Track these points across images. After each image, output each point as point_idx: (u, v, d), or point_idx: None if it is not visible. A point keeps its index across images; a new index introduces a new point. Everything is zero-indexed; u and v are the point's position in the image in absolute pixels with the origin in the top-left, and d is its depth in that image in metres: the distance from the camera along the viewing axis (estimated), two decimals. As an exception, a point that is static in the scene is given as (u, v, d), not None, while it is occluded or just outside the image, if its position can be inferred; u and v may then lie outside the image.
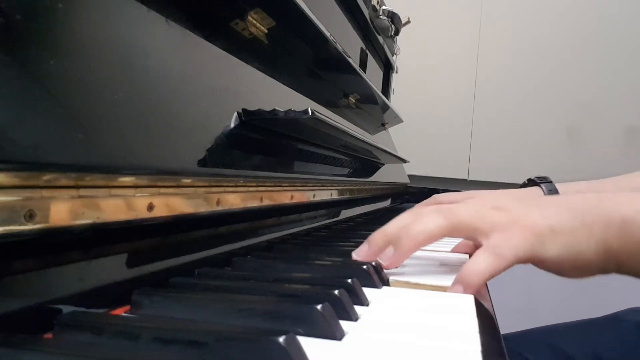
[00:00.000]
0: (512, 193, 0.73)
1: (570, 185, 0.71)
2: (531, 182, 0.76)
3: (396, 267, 0.40)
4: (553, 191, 0.70)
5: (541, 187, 0.71)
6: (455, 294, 0.35)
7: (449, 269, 0.44)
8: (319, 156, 0.64)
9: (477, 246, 0.40)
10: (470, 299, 0.34)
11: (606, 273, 0.38)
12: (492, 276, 0.36)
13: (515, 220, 0.38)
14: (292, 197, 0.51)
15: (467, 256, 0.53)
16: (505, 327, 0.38)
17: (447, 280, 0.39)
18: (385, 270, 0.40)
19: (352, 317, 0.27)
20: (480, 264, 0.36)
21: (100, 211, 0.24)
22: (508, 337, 0.75)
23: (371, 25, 1.06)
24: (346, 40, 0.91)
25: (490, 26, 1.82)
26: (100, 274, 0.27)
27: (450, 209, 0.40)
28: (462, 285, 0.36)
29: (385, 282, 0.38)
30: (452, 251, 0.55)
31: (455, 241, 0.58)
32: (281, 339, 0.19)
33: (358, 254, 0.41)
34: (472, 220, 0.39)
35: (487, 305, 0.34)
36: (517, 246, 0.37)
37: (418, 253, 0.55)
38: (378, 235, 0.42)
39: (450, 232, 0.39)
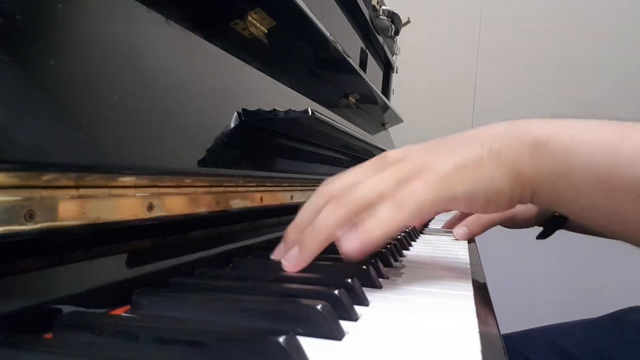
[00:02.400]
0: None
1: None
2: None
3: (300, 269, 0.36)
4: None
5: None
6: (454, 292, 0.35)
7: (450, 272, 0.44)
8: (319, 156, 0.64)
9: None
10: (470, 300, 0.34)
11: (522, 203, 0.36)
12: (395, 228, 0.34)
13: (418, 167, 0.35)
14: (292, 197, 0.51)
15: (467, 258, 0.52)
16: (506, 327, 0.36)
17: (448, 288, 0.39)
18: (386, 269, 0.40)
19: (352, 317, 0.27)
20: (383, 216, 0.34)
21: (100, 211, 0.24)
22: (509, 336, 0.75)
23: (371, 25, 1.06)
24: (346, 40, 0.91)
25: (490, 26, 1.82)
26: (100, 274, 0.27)
27: (348, 194, 0.36)
28: (358, 237, 0.33)
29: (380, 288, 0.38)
30: (443, 227, 0.52)
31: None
32: (281, 339, 0.19)
33: (275, 255, 0.38)
34: (373, 192, 0.35)
35: (487, 304, 0.34)
36: (419, 193, 0.34)
37: (418, 251, 0.55)
38: (291, 231, 0.38)
39: (357, 214, 0.35)
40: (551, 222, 0.76)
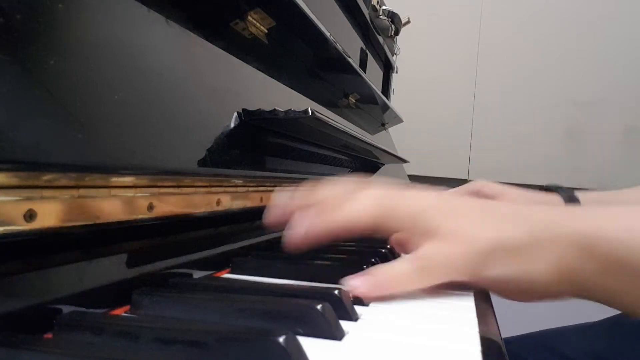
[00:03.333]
0: (527, 194, 0.69)
1: (593, 193, 0.68)
2: (546, 189, 0.74)
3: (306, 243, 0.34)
4: (573, 199, 0.67)
5: (559, 194, 0.68)
6: (454, 292, 0.35)
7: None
8: (319, 156, 0.64)
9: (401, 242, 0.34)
10: (470, 300, 0.33)
11: (558, 298, 0.33)
12: (408, 288, 0.31)
13: (458, 231, 0.32)
14: (292, 197, 0.51)
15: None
16: (506, 330, 0.34)
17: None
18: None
19: (352, 317, 0.27)
20: (401, 272, 0.31)
21: (100, 211, 0.24)
22: (508, 340, 0.74)
23: (371, 25, 1.06)
24: (346, 40, 0.91)
25: (490, 26, 1.82)
26: (100, 274, 0.27)
27: (390, 197, 0.34)
28: (370, 283, 0.30)
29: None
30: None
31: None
32: (281, 339, 0.19)
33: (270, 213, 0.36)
34: (408, 218, 0.33)
35: (487, 306, 0.34)
36: (452, 264, 0.31)
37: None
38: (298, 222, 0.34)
39: (380, 224, 0.33)
40: None
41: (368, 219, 0.33)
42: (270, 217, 0.35)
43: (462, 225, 0.32)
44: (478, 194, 0.66)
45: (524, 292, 0.32)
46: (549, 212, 0.34)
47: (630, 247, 0.30)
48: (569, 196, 0.67)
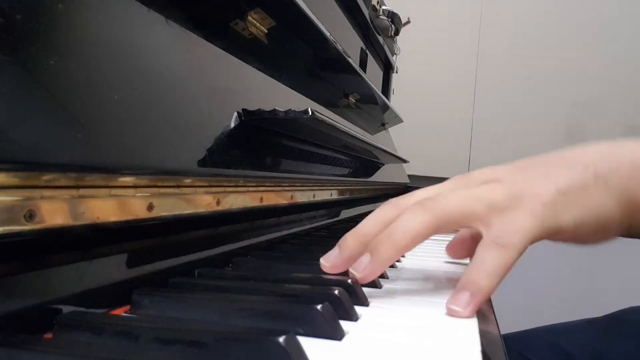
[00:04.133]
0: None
1: None
2: None
3: (373, 279, 0.33)
4: None
5: None
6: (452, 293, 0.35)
7: (450, 272, 0.44)
8: (319, 156, 0.64)
9: (474, 237, 0.33)
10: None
11: (631, 234, 0.32)
12: (504, 274, 0.30)
13: (514, 193, 0.31)
14: (292, 197, 0.51)
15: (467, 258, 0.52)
16: (505, 327, 0.35)
17: (448, 288, 0.39)
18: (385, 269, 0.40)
19: (352, 317, 0.27)
20: (486, 263, 0.29)
21: (100, 211, 0.24)
22: (508, 336, 0.74)
23: (371, 25, 1.06)
24: (346, 40, 0.91)
25: (490, 26, 1.82)
26: (100, 274, 0.27)
27: (434, 200, 0.32)
28: (468, 291, 0.29)
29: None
30: (447, 249, 0.46)
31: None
32: (281, 339, 0.19)
33: (327, 260, 0.34)
34: (462, 208, 0.31)
35: (487, 305, 0.34)
36: (524, 228, 0.30)
37: (418, 254, 0.55)
38: (351, 238, 0.34)
39: (439, 228, 0.31)
40: None
41: (427, 230, 0.31)
42: (329, 269, 0.34)
43: (519, 188, 0.31)
44: None
45: (600, 231, 0.31)
46: (603, 146, 0.33)
47: None
48: None
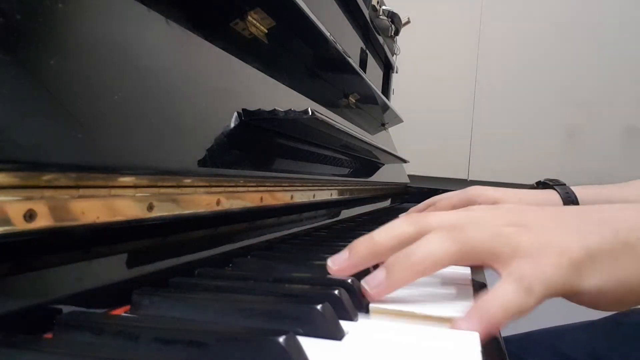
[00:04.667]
0: (527, 196, 0.68)
1: (588, 188, 0.67)
2: (542, 185, 0.74)
3: (381, 298, 0.31)
4: (570, 195, 0.66)
5: (556, 190, 0.67)
6: (454, 292, 0.35)
7: (450, 272, 0.44)
8: (319, 156, 0.64)
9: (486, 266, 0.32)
10: (470, 300, 0.33)
11: None
12: (517, 316, 0.28)
13: (543, 243, 0.30)
14: (292, 197, 0.51)
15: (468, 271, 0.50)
16: (505, 329, 0.34)
17: (448, 288, 0.39)
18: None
19: (352, 317, 0.27)
20: (506, 295, 0.28)
21: (100, 211, 0.24)
22: (508, 339, 0.74)
23: (371, 25, 1.06)
24: (346, 40, 0.91)
25: (490, 26, 1.83)
26: (100, 274, 0.27)
27: (461, 230, 0.31)
28: (478, 315, 0.27)
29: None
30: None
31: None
32: (281, 339, 0.19)
33: (334, 263, 0.33)
34: (490, 245, 0.30)
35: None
36: (549, 278, 0.29)
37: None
38: (363, 245, 0.33)
39: (461, 259, 0.31)
40: None
41: (450, 260, 0.30)
42: (335, 272, 0.33)
43: (548, 237, 0.30)
44: (473, 204, 0.63)
45: (621, 300, 0.30)
46: (630, 211, 0.32)
47: None
48: (566, 192, 0.67)
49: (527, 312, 0.28)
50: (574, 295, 0.30)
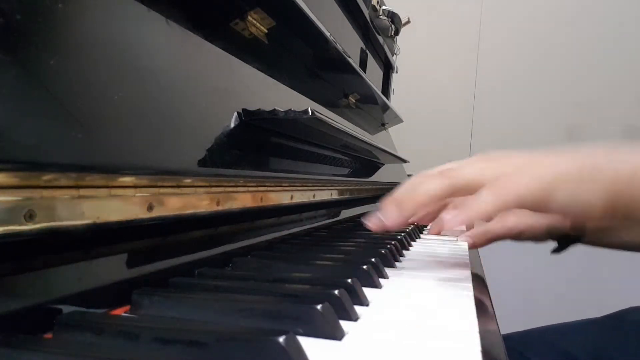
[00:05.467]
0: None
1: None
2: None
3: (392, 224, 0.40)
4: None
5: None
6: (454, 292, 0.35)
7: (449, 272, 0.44)
8: (319, 156, 0.64)
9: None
10: (470, 300, 0.34)
11: (611, 218, 0.38)
12: (493, 210, 0.36)
13: (520, 168, 0.38)
14: (292, 197, 0.51)
15: (466, 258, 0.52)
16: (506, 326, 0.38)
17: (448, 288, 0.39)
18: (385, 269, 0.40)
19: (352, 317, 0.27)
20: (482, 196, 0.36)
21: (100, 211, 0.24)
22: (509, 337, 0.74)
23: (371, 25, 1.06)
24: (346, 40, 0.91)
25: (490, 26, 1.82)
26: (100, 274, 0.27)
27: (453, 170, 0.40)
28: (462, 211, 0.36)
29: (386, 278, 0.38)
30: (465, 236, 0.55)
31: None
32: (281, 339, 0.19)
33: (370, 221, 0.42)
34: (476, 176, 0.39)
35: (487, 304, 0.34)
36: (521, 188, 0.36)
37: (418, 251, 0.55)
38: (387, 202, 0.42)
39: (454, 191, 0.39)
40: (567, 237, 0.74)
41: (443, 191, 0.39)
42: (372, 228, 0.42)
43: (526, 168, 0.38)
44: None
45: (582, 216, 0.39)
46: (601, 149, 0.39)
47: None
48: None
49: (501, 209, 0.36)
50: (545, 204, 0.37)
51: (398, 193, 0.42)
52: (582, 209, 0.37)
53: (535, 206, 0.38)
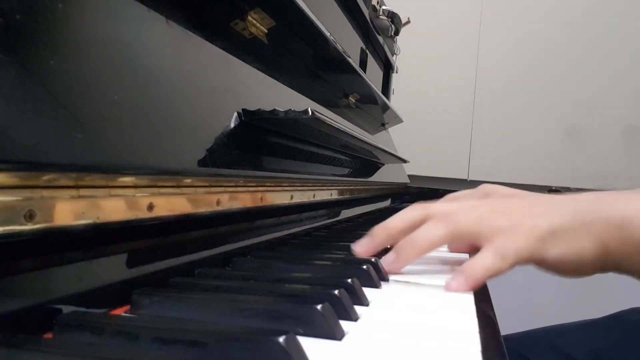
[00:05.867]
0: (520, 192, 0.72)
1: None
2: (554, 192, 0.76)
3: (394, 273, 0.41)
4: None
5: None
6: (455, 293, 0.35)
7: (450, 268, 0.44)
8: (319, 156, 0.64)
9: (476, 247, 0.40)
10: (470, 299, 0.34)
11: (604, 272, 0.39)
12: (494, 275, 0.37)
13: (516, 224, 0.39)
14: (292, 197, 0.51)
15: (467, 256, 0.52)
16: (506, 327, 0.39)
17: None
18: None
19: (352, 317, 0.27)
20: (485, 260, 0.37)
21: (100, 211, 0.24)
22: (508, 337, 0.74)
23: (371, 25, 1.06)
24: (346, 40, 0.91)
25: (490, 26, 1.82)
26: (100, 274, 0.27)
27: (451, 217, 0.40)
28: (464, 276, 0.36)
29: (386, 281, 0.38)
30: (451, 250, 0.55)
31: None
32: (281, 339, 0.19)
33: (359, 246, 0.42)
34: (473, 228, 0.39)
35: (487, 305, 0.34)
36: (519, 248, 0.37)
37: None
38: (380, 231, 0.42)
39: (453, 240, 0.40)
40: None
41: (442, 240, 0.40)
42: (361, 254, 0.42)
43: (521, 219, 0.39)
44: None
45: (577, 268, 0.38)
46: (592, 197, 0.40)
47: None
48: None
49: (501, 273, 0.37)
50: (540, 262, 0.38)
51: (395, 224, 0.42)
52: (573, 264, 0.38)
53: (532, 262, 0.39)
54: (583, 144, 1.74)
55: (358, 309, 0.29)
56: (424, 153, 1.77)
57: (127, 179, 0.26)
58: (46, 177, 0.21)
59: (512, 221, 0.39)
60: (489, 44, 1.82)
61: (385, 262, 0.40)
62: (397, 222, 0.42)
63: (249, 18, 0.49)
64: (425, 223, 0.40)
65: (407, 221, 0.41)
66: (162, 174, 0.29)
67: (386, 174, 1.07)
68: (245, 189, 0.41)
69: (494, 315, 0.33)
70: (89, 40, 0.27)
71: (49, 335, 0.22)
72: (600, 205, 0.39)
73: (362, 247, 0.42)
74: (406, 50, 1.46)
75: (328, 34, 0.60)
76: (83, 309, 0.25)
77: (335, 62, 0.71)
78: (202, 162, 0.34)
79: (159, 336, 0.21)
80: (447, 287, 0.36)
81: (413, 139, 1.71)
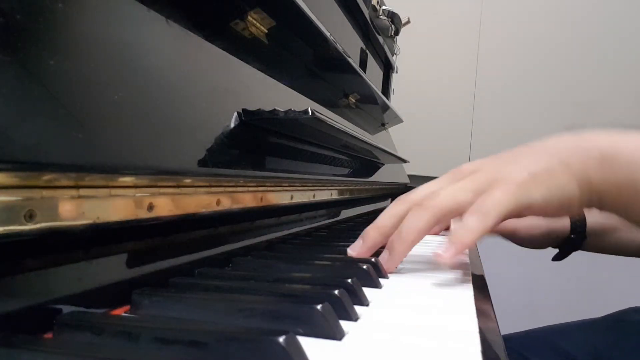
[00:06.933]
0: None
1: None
2: None
3: (393, 270, 0.41)
4: None
5: None
6: (455, 293, 0.35)
7: (449, 271, 0.44)
8: (319, 156, 0.64)
9: None
10: (470, 299, 0.34)
11: (590, 207, 0.39)
12: (481, 234, 0.37)
13: (493, 177, 0.38)
14: (292, 197, 0.51)
15: (466, 257, 0.52)
16: (506, 327, 0.38)
17: (448, 287, 0.39)
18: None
19: (352, 317, 0.27)
20: (467, 222, 0.37)
21: (100, 211, 0.24)
22: (509, 337, 0.74)
23: (371, 25, 1.06)
24: (346, 40, 0.91)
25: (490, 26, 1.82)
26: (100, 274, 0.27)
27: (430, 200, 0.40)
28: (454, 245, 0.36)
29: (386, 280, 0.38)
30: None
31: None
32: (281, 339, 0.19)
33: (353, 249, 0.42)
34: (454, 201, 0.39)
35: (487, 305, 0.34)
36: (500, 201, 0.37)
37: (418, 251, 0.55)
38: (371, 231, 0.42)
39: (439, 221, 0.39)
40: (568, 244, 0.74)
41: (428, 225, 0.39)
42: (356, 256, 0.42)
43: (498, 174, 0.38)
44: None
45: (563, 207, 0.38)
46: (569, 138, 0.40)
47: (638, 164, 0.35)
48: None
49: (488, 231, 0.37)
50: (527, 209, 0.38)
51: (384, 221, 0.42)
52: (560, 203, 0.37)
53: (519, 214, 0.38)
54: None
55: (358, 309, 0.29)
56: (424, 153, 1.77)
57: (127, 179, 0.26)
58: (46, 177, 0.21)
59: (488, 176, 0.39)
60: (489, 44, 1.82)
61: (382, 261, 0.40)
62: (386, 219, 0.42)
63: (249, 18, 0.49)
64: (408, 213, 0.40)
65: (394, 217, 0.41)
66: (162, 174, 0.29)
67: (386, 174, 1.07)
68: (246, 189, 0.41)
69: (494, 315, 0.33)
70: (88, 40, 0.27)
71: (48, 335, 0.22)
72: (577, 143, 0.39)
73: (356, 250, 0.42)
74: (406, 50, 1.46)
75: (328, 34, 0.60)
76: (83, 309, 0.25)
77: (335, 62, 0.71)
78: (202, 162, 0.34)
79: (159, 336, 0.21)
80: (438, 258, 0.36)
81: (413, 139, 1.71)
